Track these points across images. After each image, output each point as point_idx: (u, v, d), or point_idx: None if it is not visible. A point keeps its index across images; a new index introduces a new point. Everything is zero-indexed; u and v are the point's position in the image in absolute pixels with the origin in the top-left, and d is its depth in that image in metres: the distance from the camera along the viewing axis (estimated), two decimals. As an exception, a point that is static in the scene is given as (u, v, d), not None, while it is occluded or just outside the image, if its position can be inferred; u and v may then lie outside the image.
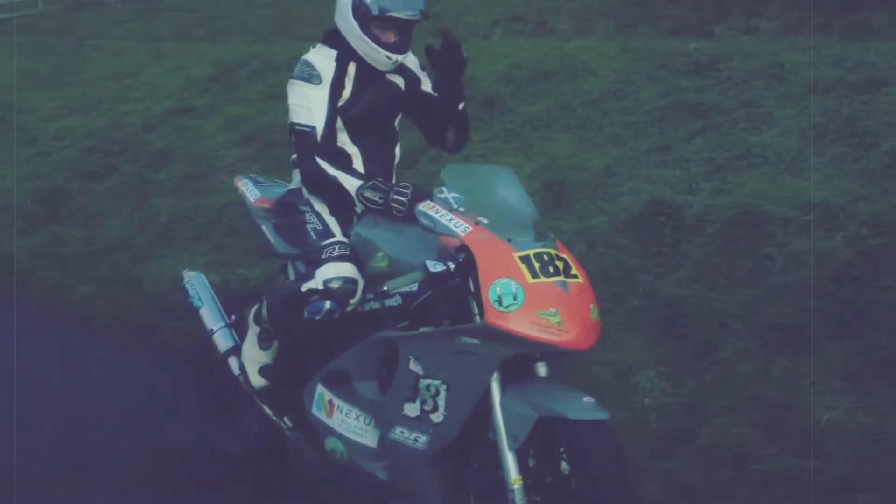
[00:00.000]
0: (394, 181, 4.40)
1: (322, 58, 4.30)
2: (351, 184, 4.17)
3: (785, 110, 6.94)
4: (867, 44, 7.53)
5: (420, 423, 3.91)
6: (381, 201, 4.09)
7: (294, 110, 4.27)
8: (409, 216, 4.03)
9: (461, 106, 4.43)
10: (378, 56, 4.25)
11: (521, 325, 3.65)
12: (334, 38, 4.34)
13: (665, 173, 6.68)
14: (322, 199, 4.33)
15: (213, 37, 14.02)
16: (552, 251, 3.83)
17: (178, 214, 8.05)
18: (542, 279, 3.73)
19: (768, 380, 4.96)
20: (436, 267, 3.77)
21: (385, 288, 3.89)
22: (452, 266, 3.77)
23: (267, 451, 4.78)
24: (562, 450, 3.70)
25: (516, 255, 3.75)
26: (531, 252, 3.77)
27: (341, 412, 4.21)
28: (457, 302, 3.82)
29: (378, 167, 4.39)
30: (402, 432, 3.97)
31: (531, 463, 3.76)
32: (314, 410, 4.30)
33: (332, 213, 4.31)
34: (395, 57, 4.27)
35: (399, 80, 4.43)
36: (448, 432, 3.87)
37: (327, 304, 4.07)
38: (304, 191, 4.39)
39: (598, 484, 3.59)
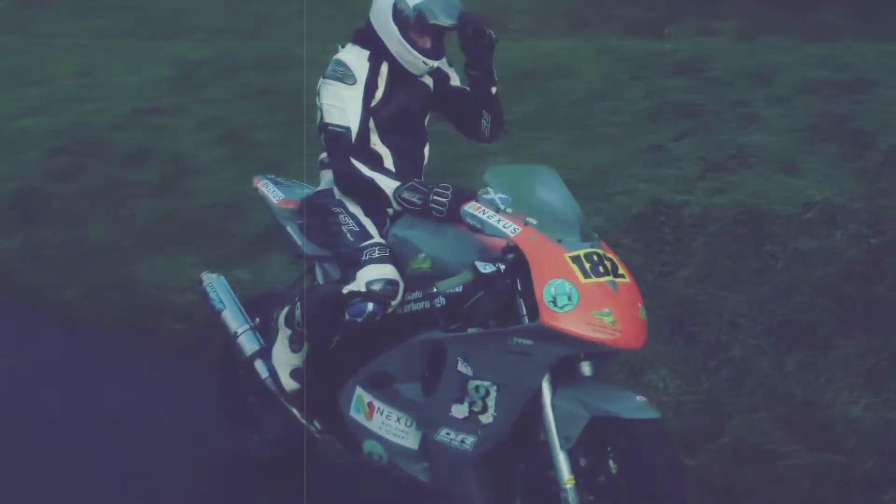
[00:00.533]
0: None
1: (355, 57, 4.29)
2: (388, 185, 4.16)
3: (772, 110, 7.04)
4: (851, 45, 7.65)
5: (468, 424, 3.91)
6: (420, 202, 4.08)
7: (328, 110, 4.25)
8: (449, 217, 4.04)
9: (494, 90, 4.42)
10: (416, 61, 4.27)
11: (577, 325, 3.67)
12: (366, 38, 4.33)
13: (659, 173, 6.73)
14: (356, 201, 4.32)
15: (168, 35, 13.88)
16: (600, 251, 3.85)
17: (160, 216, 7.96)
18: (594, 279, 3.75)
19: (784, 377, 5.02)
20: (486, 268, 3.77)
21: (435, 289, 3.88)
22: (503, 267, 3.78)
23: (290, 455, 4.75)
24: (609, 448, 3.72)
25: (567, 255, 3.78)
26: (581, 252, 3.80)
27: (381, 414, 4.20)
28: (505, 302, 3.83)
29: (408, 167, 4.38)
30: (447, 434, 3.97)
31: (582, 462, 3.78)
32: (352, 413, 4.28)
33: (367, 214, 4.30)
34: (431, 63, 4.29)
35: (429, 80, 4.43)
36: (496, 433, 3.88)
37: (370, 306, 4.06)
38: (336, 192, 4.36)
39: (655, 482, 3.63)
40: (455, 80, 4.50)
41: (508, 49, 9.02)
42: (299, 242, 4.60)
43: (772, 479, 4.47)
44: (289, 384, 4.48)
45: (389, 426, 4.18)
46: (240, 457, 4.89)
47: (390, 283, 4.08)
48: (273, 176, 4.97)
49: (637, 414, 3.69)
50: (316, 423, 4.51)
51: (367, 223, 4.27)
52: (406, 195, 4.12)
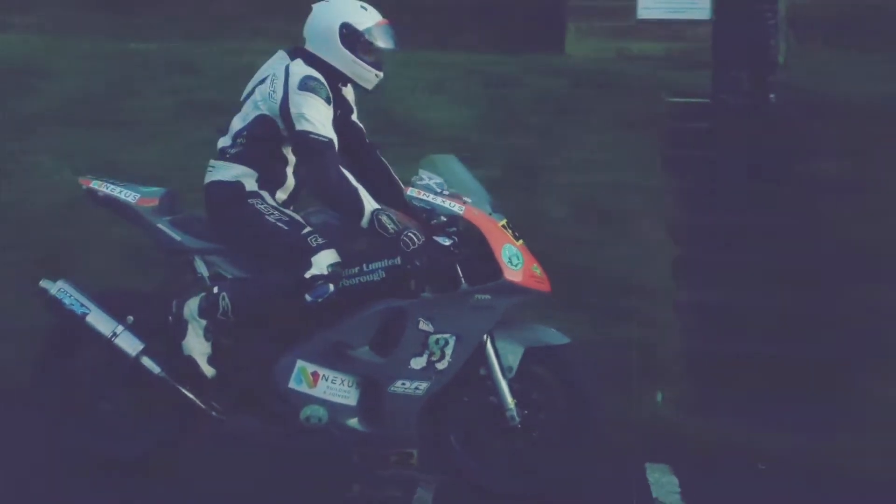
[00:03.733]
0: None
1: (321, 76, 4.73)
2: (369, 201, 4.64)
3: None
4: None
5: (424, 372, 4.66)
6: (393, 232, 4.60)
7: (310, 121, 4.63)
8: (411, 256, 4.58)
9: None
10: (369, 76, 4.82)
11: (527, 279, 4.69)
12: (314, 63, 4.76)
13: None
14: (272, 195, 4.77)
15: None
16: (507, 221, 4.86)
17: None
18: (519, 242, 4.77)
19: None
20: (445, 241, 4.61)
21: (418, 263, 4.57)
22: (456, 240, 4.63)
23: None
24: (543, 371, 4.79)
25: (500, 224, 4.74)
26: (504, 222, 4.78)
27: (326, 380, 4.71)
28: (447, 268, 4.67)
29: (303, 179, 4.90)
30: (403, 384, 4.67)
31: (515, 387, 4.78)
32: (292, 384, 4.70)
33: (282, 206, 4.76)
34: (380, 73, 4.85)
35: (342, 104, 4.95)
36: (447, 377, 4.70)
37: (331, 286, 4.58)
38: (249, 185, 4.76)
39: (583, 392, 4.78)
40: (355, 116, 5.06)
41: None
42: (178, 238, 4.82)
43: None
44: (209, 371, 4.73)
45: (334, 389, 4.72)
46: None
47: (339, 264, 4.63)
48: (93, 176, 5.03)
49: (560, 340, 4.81)
50: (214, 405, 4.81)
51: (293, 214, 4.73)
52: (384, 219, 4.60)
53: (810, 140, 7.71)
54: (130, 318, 4.85)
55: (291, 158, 4.84)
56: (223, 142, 4.87)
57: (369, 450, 4.83)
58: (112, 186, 4.94)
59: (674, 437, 5.61)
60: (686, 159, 7.96)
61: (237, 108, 4.93)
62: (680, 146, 8.08)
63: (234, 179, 4.80)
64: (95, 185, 4.96)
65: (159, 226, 4.86)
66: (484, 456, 4.86)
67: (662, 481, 5.21)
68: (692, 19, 11.22)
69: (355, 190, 4.68)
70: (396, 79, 8.41)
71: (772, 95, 7.73)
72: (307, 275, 4.57)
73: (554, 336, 4.83)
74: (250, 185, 4.78)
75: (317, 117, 4.67)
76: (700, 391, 6.05)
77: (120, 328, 4.82)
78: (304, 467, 5.03)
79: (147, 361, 4.81)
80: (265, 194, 4.78)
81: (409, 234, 4.59)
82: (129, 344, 4.81)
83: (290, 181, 4.86)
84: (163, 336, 4.81)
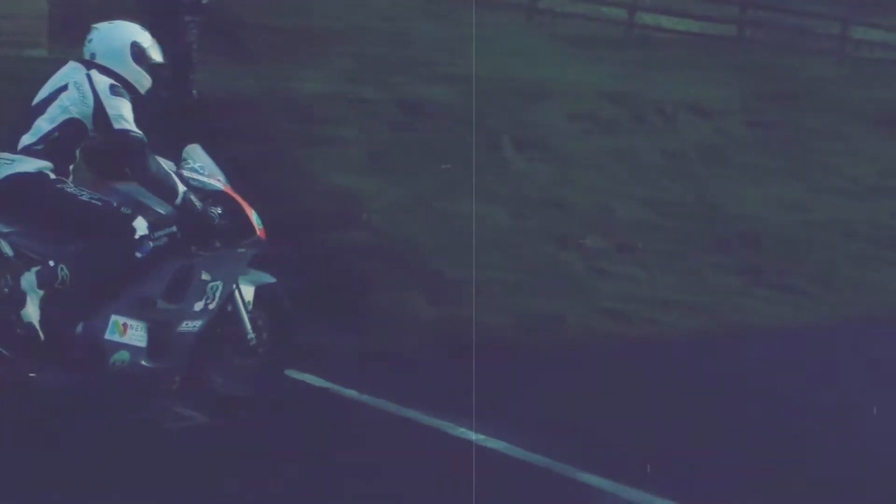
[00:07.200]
0: None
1: None
2: (180, 185, 5.76)
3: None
4: None
5: (201, 313, 5.97)
6: (199, 209, 5.77)
7: (128, 120, 5.64)
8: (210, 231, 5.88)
9: None
10: (149, 84, 5.89)
11: (265, 235, 6.20)
12: (106, 74, 5.71)
13: None
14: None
15: None
16: (235, 194, 6.28)
17: None
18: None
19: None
20: (217, 210, 5.96)
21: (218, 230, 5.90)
22: (221, 209, 6.00)
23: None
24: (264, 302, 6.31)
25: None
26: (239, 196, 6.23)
27: (133, 329, 5.73)
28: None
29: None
30: (187, 324, 5.92)
31: (250, 317, 6.26)
32: (108, 336, 5.65)
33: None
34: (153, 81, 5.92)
35: None
36: (213, 314, 6.04)
37: (150, 243, 5.66)
38: (52, 174, 5.57)
39: (290, 318, 6.42)
40: None
41: None
42: None
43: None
44: (42, 335, 5.45)
45: (137, 335, 5.76)
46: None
47: (148, 227, 5.72)
48: None
49: (271, 280, 6.38)
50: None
51: (95, 192, 5.62)
52: (192, 198, 5.76)
53: (228, 128, 9.66)
54: (-42, 298, 5.35)
55: (77, 157, 5.78)
56: (27, 139, 5.64)
57: (145, 382, 5.96)
58: None
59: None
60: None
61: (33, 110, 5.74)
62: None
63: (36, 170, 5.58)
64: None
65: None
66: (228, 372, 6.25)
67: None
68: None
69: (170, 175, 5.82)
70: None
71: (194, 91, 9.48)
72: (137, 236, 5.62)
73: (266, 277, 6.40)
74: (51, 175, 5.59)
75: (131, 117, 5.72)
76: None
77: None
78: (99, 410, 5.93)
79: (-16, 334, 5.38)
80: (66, 180, 5.63)
81: (211, 210, 5.88)
82: None
83: (71, 177, 5.77)
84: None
